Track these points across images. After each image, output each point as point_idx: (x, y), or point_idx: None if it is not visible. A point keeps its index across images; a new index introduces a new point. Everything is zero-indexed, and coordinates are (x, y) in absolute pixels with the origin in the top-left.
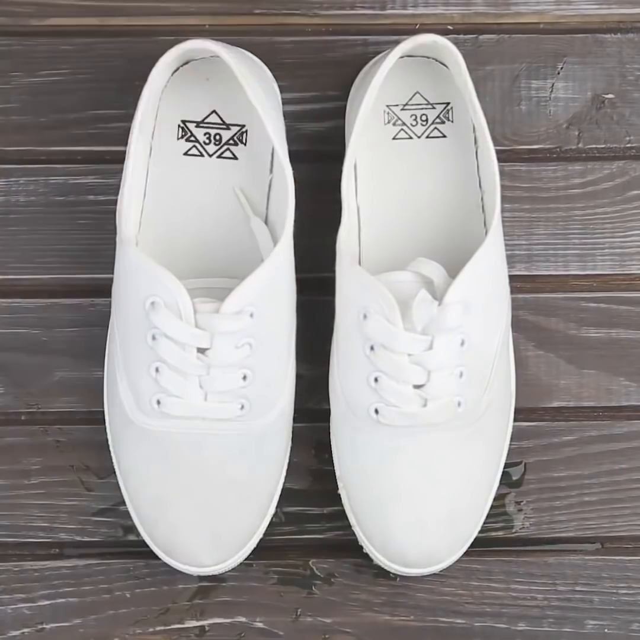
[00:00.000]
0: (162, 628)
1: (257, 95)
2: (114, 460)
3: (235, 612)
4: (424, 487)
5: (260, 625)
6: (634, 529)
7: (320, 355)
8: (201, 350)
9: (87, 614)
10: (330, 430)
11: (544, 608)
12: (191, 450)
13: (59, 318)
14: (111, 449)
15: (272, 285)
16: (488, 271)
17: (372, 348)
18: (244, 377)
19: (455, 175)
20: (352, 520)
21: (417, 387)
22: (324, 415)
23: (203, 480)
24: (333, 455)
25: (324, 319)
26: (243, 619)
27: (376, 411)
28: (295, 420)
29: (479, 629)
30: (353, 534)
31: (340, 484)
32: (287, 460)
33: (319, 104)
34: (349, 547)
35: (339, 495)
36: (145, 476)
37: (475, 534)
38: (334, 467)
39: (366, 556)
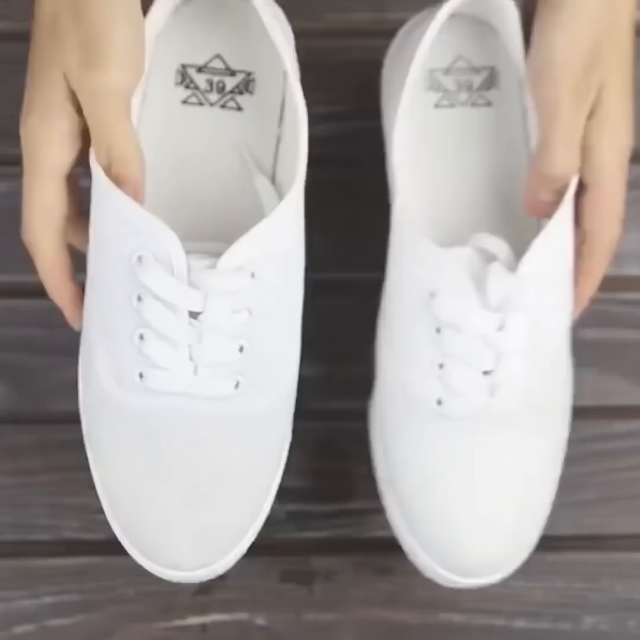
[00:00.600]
0: (164, 625)
1: (274, 31)
2: (87, 447)
3: (236, 610)
4: (492, 488)
5: (261, 622)
6: (630, 526)
7: (321, 354)
8: (193, 315)
9: (90, 610)
10: (371, 428)
11: (542, 605)
12: (175, 433)
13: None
14: (85, 435)
15: (277, 244)
16: (561, 244)
17: (438, 330)
18: (241, 349)
19: (501, 147)
20: (401, 527)
21: (485, 373)
22: (325, 414)
23: (187, 468)
24: (375, 457)
25: (324, 318)
26: (244, 616)
27: (439, 402)
28: (295, 419)
29: (477, 626)
30: (353, 532)
31: (385, 488)
32: (286, 452)
33: (320, 107)
34: (350, 545)
35: (379, 496)
36: (121, 462)
37: (537, 538)
38: (336, 462)
39: (366, 554)
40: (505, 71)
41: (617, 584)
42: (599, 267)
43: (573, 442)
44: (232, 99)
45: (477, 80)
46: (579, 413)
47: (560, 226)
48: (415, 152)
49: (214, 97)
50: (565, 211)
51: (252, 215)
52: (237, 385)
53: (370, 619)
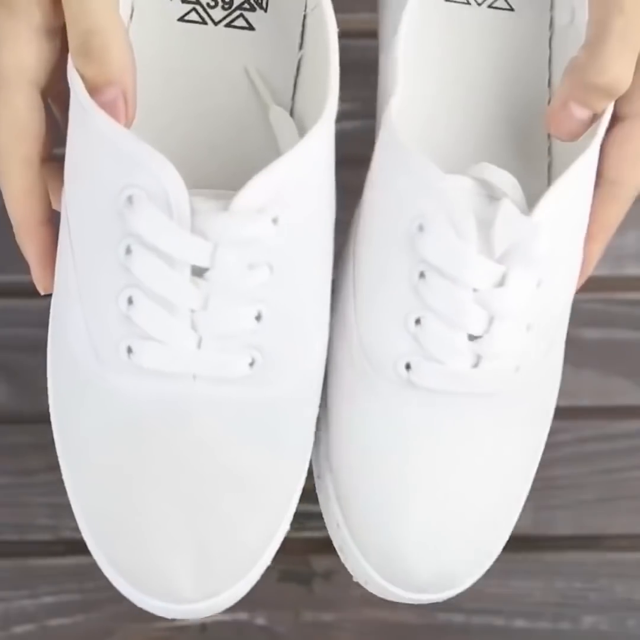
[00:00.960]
0: (163, 624)
1: None
2: (56, 442)
3: (236, 609)
4: (456, 481)
5: (261, 622)
6: (630, 526)
7: None
8: (197, 272)
9: (90, 610)
10: (325, 391)
11: (541, 605)
12: (172, 426)
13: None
14: (54, 427)
15: (305, 184)
16: (585, 188)
17: (422, 274)
18: (258, 316)
19: (519, 63)
20: (337, 518)
21: (471, 338)
22: None
23: (189, 472)
24: (319, 428)
25: None
26: (244, 616)
27: (407, 366)
28: None
29: (477, 626)
30: None
31: (323, 467)
32: (311, 447)
33: None
34: None
35: (314, 485)
36: (101, 464)
37: (500, 547)
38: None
39: None
40: None
41: (616, 584)
42: (616, 220)
43: (573, 442)
44: (241, 15)
45: None
46: (579, 413)
47: (588, 165)
48: (417, 53)
49: (218, 13)
50: (596, 144)
51: (265, 155)
52: (252, 364)
53: (370, 619)
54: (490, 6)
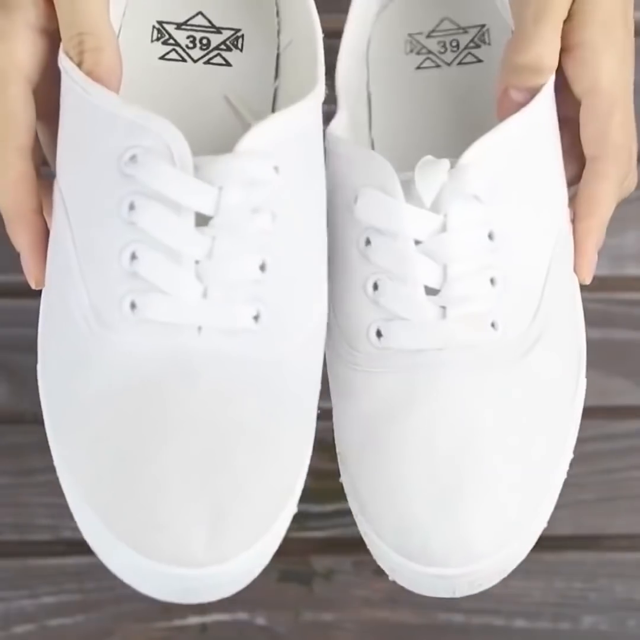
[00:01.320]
0: (164, 624)
1: None
2: (47, 420)
3: (236, 609)
4: (456, 446)
5: (261, 622)
6: (629, 526)
7: None
8: (202, 222)
9: (90, 610)
10: (329, 377)
11: (541, 605)
12: (179, 381)
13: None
14: (43, 405)
15: (302, 142)
16: (531, 147)
17: (368, 241)
18: (262, 266)
19: (493, 104)
20: (353, 505)
21: (431, 292)
22: (324, 414)
23: (199, 427)
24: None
25: None
26: (244, 616)
27: (378, 333)
28: None
29: (476, 626)
30: (352, 532)
31: (338, 452)
32: (315, 406)
33: None
34: (349, 545)
35: (338, 471)
36: (101, 424)
37: (537, 520)
38: (334, 462)
39: (365, 554)
40: (496, 26)
41: (616, 584)
42: (604, 197)
43: None
44: (219, 54)
45: (465, 39)
46: None
47: (526, 122)
48: (393, 115)
49: (197, 53)
50: (534, 107)
51: None
52: (257, 318)
53: (370, 619)
54: (460, 64)
